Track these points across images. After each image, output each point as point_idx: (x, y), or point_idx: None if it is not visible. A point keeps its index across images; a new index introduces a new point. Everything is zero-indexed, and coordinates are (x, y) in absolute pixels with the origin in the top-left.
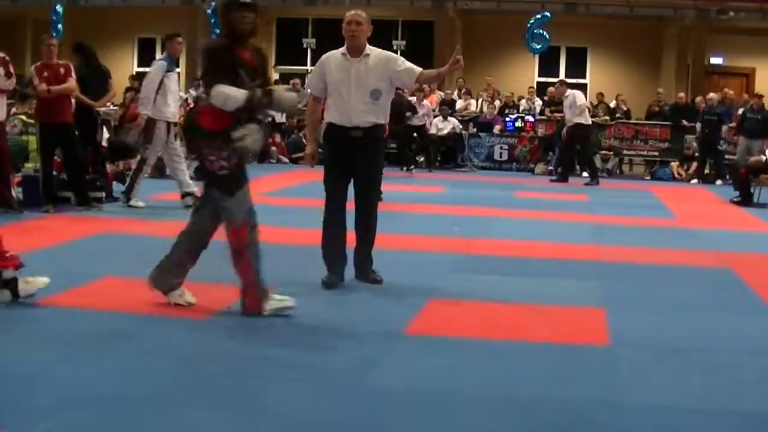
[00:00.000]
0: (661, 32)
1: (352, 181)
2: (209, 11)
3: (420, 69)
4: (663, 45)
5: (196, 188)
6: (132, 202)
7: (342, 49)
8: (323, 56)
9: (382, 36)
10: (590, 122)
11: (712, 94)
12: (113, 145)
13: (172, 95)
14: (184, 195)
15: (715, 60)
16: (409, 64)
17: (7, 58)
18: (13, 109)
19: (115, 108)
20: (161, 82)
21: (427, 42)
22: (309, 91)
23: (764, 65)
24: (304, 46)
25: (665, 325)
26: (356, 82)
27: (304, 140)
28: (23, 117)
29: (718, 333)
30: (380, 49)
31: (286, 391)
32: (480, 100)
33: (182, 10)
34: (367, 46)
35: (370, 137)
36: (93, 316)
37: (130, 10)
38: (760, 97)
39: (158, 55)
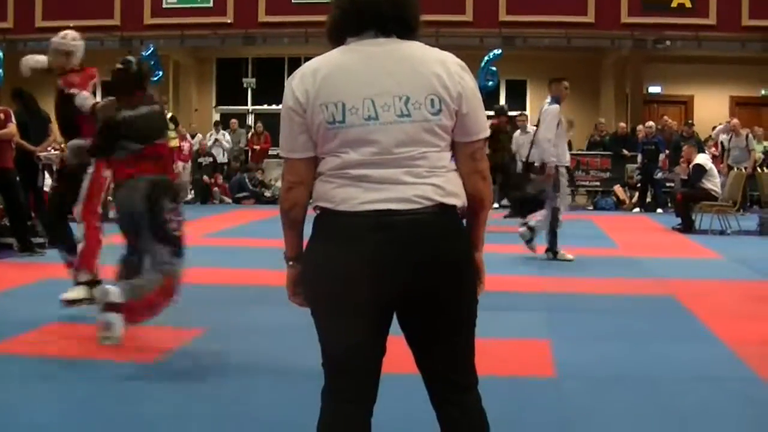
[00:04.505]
0: (599, 63)
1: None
2: (145, 54)
3: None
4: (601, 75)
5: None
6: (560, 256)
7: None
8: None
9: None
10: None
11: (649, 123)
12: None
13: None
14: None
15: (654, 89)
16: None
17: None
18: None
19: (56, 152)
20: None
21: None
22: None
23: (702, 92)
24: (245, 85)
25: (610, 354)
26: None
27: (248, 182)
28: None
29: (662, 361)
30: None
31: None
32: None
33: (121, 53)
34: None
35: None
36: (36, 364)
37: None
38: (691, 125)
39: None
